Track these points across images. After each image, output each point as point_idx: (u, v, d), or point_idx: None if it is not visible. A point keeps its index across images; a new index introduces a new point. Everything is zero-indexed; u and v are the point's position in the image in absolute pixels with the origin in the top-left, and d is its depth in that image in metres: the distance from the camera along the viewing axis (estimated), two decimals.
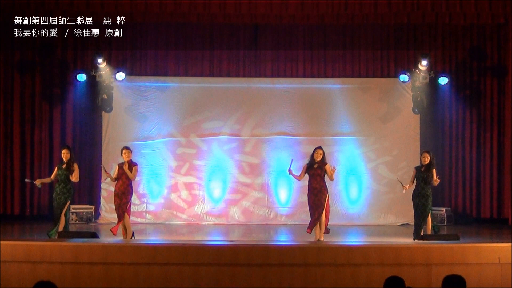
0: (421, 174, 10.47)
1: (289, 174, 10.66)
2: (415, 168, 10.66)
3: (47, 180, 10.86)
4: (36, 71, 13.71)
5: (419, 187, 10.48)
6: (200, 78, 13.93)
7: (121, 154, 10.48)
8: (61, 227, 10.24)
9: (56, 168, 10.52)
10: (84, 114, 13.82)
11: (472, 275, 8.17)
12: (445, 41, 13.83)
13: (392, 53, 13.93)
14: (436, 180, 10.40)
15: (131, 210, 10.80)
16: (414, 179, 10.58)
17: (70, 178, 10.33)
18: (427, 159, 10.47)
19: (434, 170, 10.45)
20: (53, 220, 10.41)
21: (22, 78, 13.63)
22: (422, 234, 10.28)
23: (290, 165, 10.56)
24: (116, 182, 10.49)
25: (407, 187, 10.58)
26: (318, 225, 10.45)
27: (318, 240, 10.34)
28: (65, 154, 10.41)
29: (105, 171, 10.75)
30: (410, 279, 7.53)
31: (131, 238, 10.42)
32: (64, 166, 10.36)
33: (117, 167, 10.54)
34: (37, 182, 10.63)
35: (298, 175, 10.70)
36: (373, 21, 13.02)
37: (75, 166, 10.40)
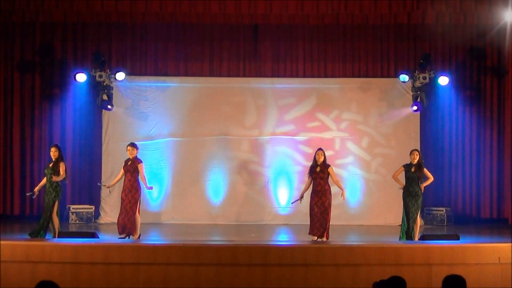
0: (412, 174, 10.46)
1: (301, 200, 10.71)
2: (403, 166, 10.61)
3: (42, 183, 10.58)
4: (36, 71, 13.70)
5: (410, 187, 10.46)
6: (200, 78, 13.93)
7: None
8: (56, 227, 10.21)
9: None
10: (84, 114, 13.80)
11: (472, 275, 8.17)
12: (445, 41, 13.81)
13: (392, 53, 13.92)
14: (424, 183, 10.44)
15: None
16: (399, 174, 10.58)
17: (53, 177, 10.20)
18: (416, 157, 10.48)
19: (425, 169, 10.48)
20: (38, 219, 10.30)
21: (22, 78, 13.61)
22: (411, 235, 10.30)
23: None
24: (123, 179, 10.50)
25: (402, 184, 10.57)
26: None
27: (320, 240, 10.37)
28: (53, 153, 10.34)
29: (105, 186, 10.77)
30: (410, 279, 7.52)
31: (138, 237, 10.45)
32: (51, 165, 10.32)
33: (124, 164, 10.61)
34: (35, 190, 10.55)
35: (305, 188, 10.74)
36: (373, 21, 13.02)
37: (61, 165, 10.27)
